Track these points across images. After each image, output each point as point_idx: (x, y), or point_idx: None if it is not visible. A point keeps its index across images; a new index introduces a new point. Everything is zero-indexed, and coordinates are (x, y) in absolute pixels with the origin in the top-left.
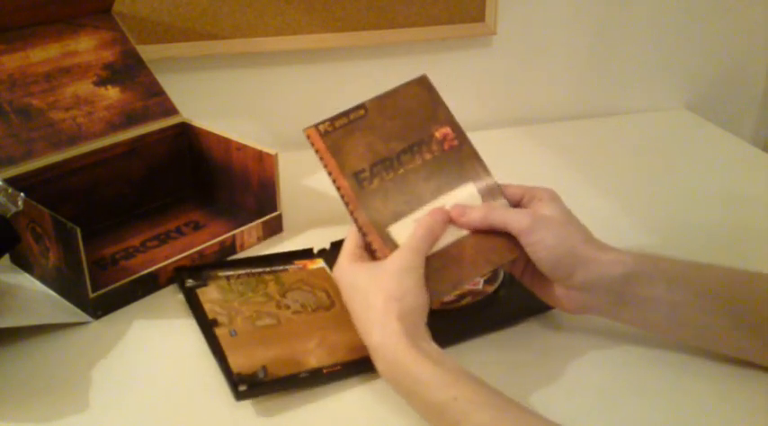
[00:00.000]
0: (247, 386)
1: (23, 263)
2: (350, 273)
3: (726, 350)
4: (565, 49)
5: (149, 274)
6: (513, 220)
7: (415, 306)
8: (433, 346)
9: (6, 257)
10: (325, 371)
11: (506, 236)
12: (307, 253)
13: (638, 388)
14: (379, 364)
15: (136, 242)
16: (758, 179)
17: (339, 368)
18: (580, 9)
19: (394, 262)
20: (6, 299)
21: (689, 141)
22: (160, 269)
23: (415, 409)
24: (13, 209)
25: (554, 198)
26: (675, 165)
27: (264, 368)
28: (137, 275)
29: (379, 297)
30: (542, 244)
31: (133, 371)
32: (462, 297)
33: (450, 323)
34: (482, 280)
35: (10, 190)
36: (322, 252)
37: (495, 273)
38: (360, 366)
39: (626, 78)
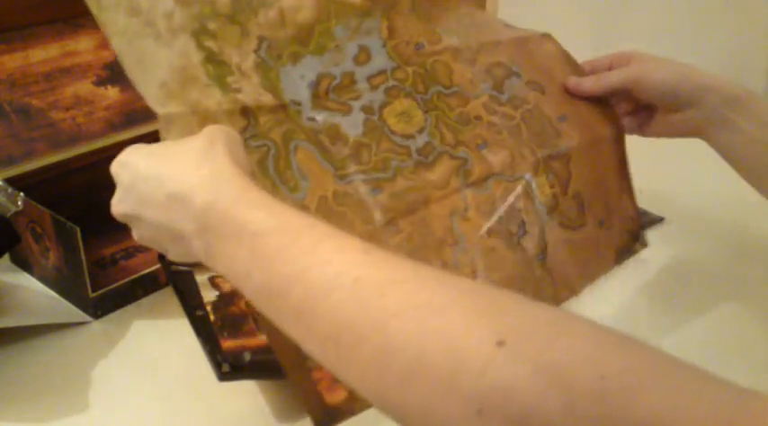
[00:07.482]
0: (230, 367)
1: (23, 263)
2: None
3: None
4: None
5: (149, 274)
6: (618, 74)
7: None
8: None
9: (6, 257)
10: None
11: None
12: None
13: None
14: (187, 224)
15: (136, 242)
16: None
17: None
18: (580, 9)
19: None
20: (6, 299)
21: (689, 141)
22: (160, 269)
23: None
24: (13, 209)
25: (644, 54)
26: (675, 165)
27: (251, 352)
28: (137, 275)
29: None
30: (653, 78)
31: (133, 371)
32: None
33: None
34: None
35: (10, 190)
36: None
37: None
38: None
39: None
